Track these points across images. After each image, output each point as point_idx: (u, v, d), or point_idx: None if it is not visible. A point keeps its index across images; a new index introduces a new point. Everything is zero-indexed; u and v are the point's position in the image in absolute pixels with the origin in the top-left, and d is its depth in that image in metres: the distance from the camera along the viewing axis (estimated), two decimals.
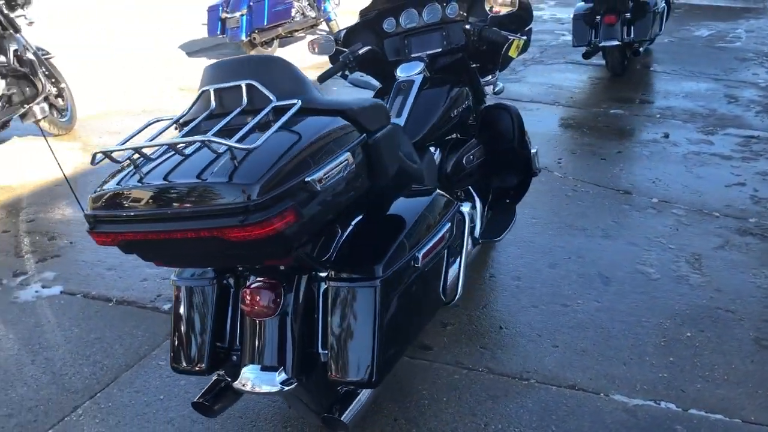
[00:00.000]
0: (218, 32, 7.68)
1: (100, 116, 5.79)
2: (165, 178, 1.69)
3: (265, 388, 1.98)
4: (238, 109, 1.85)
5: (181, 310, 2.13)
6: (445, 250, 2.30)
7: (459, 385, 2.60)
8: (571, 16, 6.93)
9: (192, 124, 1.87)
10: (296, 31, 8.50)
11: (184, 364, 2.10)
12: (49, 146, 2.50)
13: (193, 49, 8.53)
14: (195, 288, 2.11)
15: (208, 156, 1.69)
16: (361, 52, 3.03)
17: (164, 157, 1.79)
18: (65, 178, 2.62)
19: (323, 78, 3.06)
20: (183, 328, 2.12)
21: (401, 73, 3.03)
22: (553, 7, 11.50)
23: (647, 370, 2.65)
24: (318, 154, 1.73)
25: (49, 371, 2.66)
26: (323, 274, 2.00)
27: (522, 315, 3.03)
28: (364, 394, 2.03)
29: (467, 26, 2.98)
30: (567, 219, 3.94)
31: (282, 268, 2.05)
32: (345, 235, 2.06)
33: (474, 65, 3.17)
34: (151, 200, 1.67)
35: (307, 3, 8.85)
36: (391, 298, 1.97)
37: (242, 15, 7.49)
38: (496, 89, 3.31)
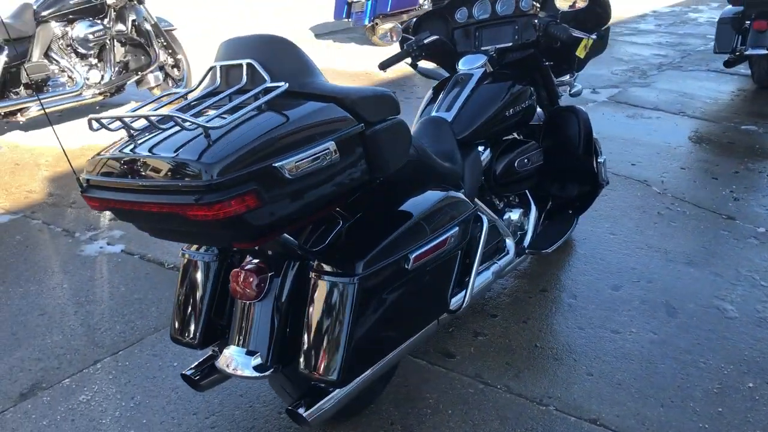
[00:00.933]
0: (344, 16, 7.78)
1: None
2: (149, 151, 1.69)
3: (240, 372, 1.96)
4: (235, 87, 1.83)
5: (185, 282, 2.15)
6: (457, 256, 2.17)
7: (470, 399, 2.45)
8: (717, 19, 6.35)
9: (191, 99, 1.87)
10: None
11: (180, 335, 2.12)
12: (50, 122, 2.61)
13: (322, 32, 8.71)
14: (200, 262, 2.12)
15: (189, 133, 1.68)
16: (426, 41, 2.92)
17: (158, 131, 1.80)
18: (62, 149, 2.72)
19: (384, 65, 2.98)
20: (183, 300, 2.14)
21: (462, 65, 2.89)
22: (715, 9, 10.59)
23: (687, 417, 2.36)
24: (294, 140, 1.66)
25: (86, 324, 2.81)
26: (314, 264, 1.94)
27: (564, 335, 2.80)
28: (339, 393, 1.95)
29: (535, 20, 2.78)
30: (650, 239, 3.60)
31: (270, 253, 2.02)
32: (344, 226, 1.98)
33: (547, 63, 2.96)
34: (127, 171, 1.69)
35: None
36: (372, 298, 1.88)
37: (367, 0, 7.53)
38: (573, 90, 3.07)
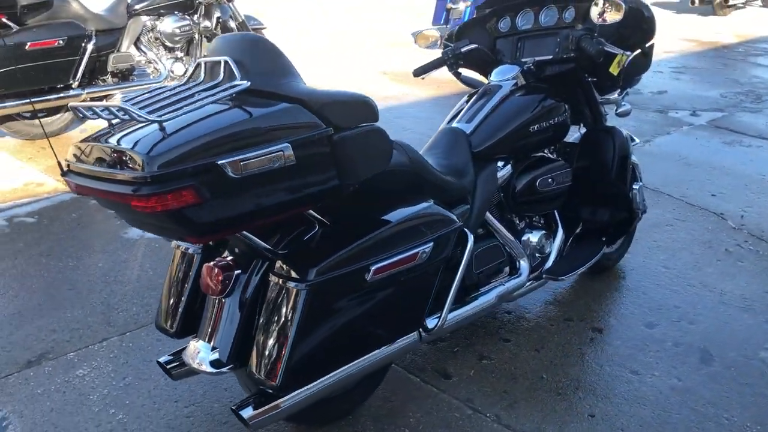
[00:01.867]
0: (442, 22, 7.70)
1: None
2: (117, 141, 1.73)
3: (199, 366, 1.97)
4: (209, 83, 1.84)
5: (172, 271, 2.20)
6: (433, 272, 2.07)
7: (454, 424, 2.33)
8: None
9: (159, 92, 1.89)
10: None
11: (161, 323, 2.17)
12: (42, 125, 2.71)
13: None
14: (186, 253, 2.16)
15: (152, 126, 1.70)
16: (463, 50, 2.83)
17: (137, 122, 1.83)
18: (50, 144, 2.81)
19: (418, 72, 2.92)
20: (168, 289, 2.19)
21: (494, 76, 2.78)
22: None
23: None
24: (245, 139, 1.64)
25: (107, 303, 2.94)
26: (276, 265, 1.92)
27: (576, 370, 2.62)
28: (287, 401, 1.90)
29: (571, 33, 2.61)
30: (708, 277, 3.30)
31: (236, 251, 2.01)
32: (318, 231, 1.95)
33: (589, 79, 2.78)
34: (93, 158, 1.74)
35: None
36: (323, 307, 1.83)
37: (467, 6, 7.41)
38: (620, 110, 2.87)
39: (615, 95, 2.90)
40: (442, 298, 2.34)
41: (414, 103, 6.21)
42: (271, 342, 1.82)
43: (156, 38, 5.07)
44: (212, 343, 1.98)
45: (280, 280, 1.84)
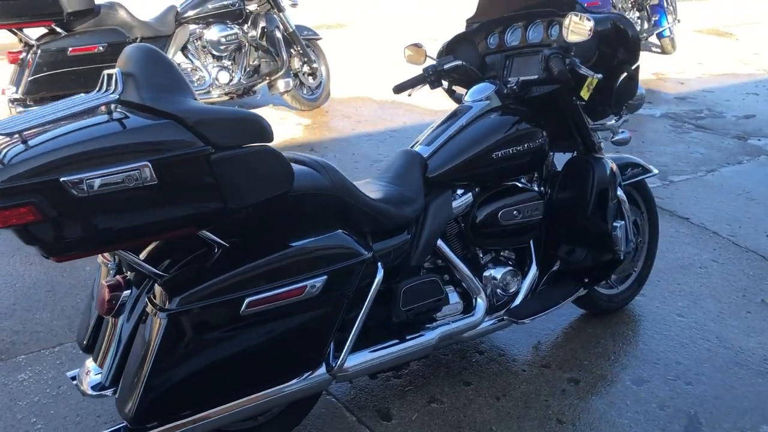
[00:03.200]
0: None
1: (345, 101, 6.08)
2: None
3: (81, 386, 1.91)
4: (98, 94, 1.78)
5: (92, 286, 2.17)
6: (331, 308, 1.90)
7: None
8: None
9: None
10: None
11: (77, 337, 2.14)
12: None
13: None
14: (103, 267, 2.11)
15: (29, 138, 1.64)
16: (446, 67, 2.63)
17: None
18: None
19: (398, 89, 2.75)
20: (87, 303, 2.15)
21: (468, 96, 2.56)
22: None
23: None
24: (96, 156, 1.55)
25: (77, 308, 2.95)
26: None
27: (532, 426, 2.34)
28: None
29: (545, 51, 2.36)
30: (728, 330, 2.90)
31: (128, 274, 1.93)
32: (205, 254, 1.83)
33: (579, 102, 2.50)
34: None
35: (637, 12, 7.96)
36: (185, 339, 1.71)
37: None
38: (616, 137, 2.58)
39: (612, 121, 2.59)
40: (369, 336, 2.17)
41: None
42: (132, 371, 1.72)
43: (203, 47, 5.16)
44: (98, 364, 1.91)
45: (150, 306, 1.74)
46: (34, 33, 4.60)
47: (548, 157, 2.58)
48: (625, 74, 2.38)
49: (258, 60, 5.35)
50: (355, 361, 2.10)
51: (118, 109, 1.67)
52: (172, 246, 1.88)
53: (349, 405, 2.43)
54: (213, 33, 5.12)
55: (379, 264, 2.02)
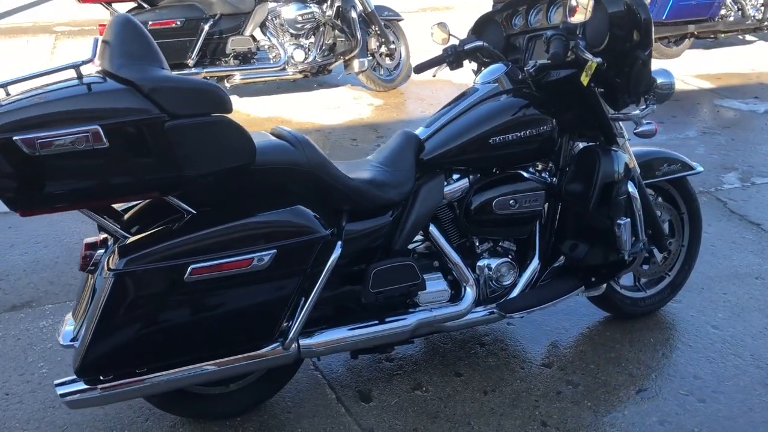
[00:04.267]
0: None
1: (424, 83, 6.00)
2: None
3: (58, 337, 2.02)
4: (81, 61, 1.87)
5: None
6: (283, 283, 1.90)
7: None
8: None
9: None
10: (723, 32, 7.10)
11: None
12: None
13: None
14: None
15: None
16: (466, 47, 2.54)
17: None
18: None
19: (418, 69, 2.68)
20: None
21: (479, 78, 2.46)
22: None
23: None
24: (50, 117, 1.64)
25: (65, 280, 3.07)
26: None
27: (513, 425, 2.24)
28: (104, 390, 1.86)
29: (548, 32, 2.21)
30: (766, 349, 2.63)
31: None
32: (170, 220, 1.89)
33: (598, 89, 2.34)
34: None
35: None
36: (129, 299, 1.77)
37: None
38: (640, 129, 2.40)
39: (636, 111, 2.39)
40: (345, 315, 2.16)
41: None
42: (86, 326, 1.81)
43: (281, 25, 5.26)
44: (74, 316, 2.02)
45: (106, 264, 1.81)
46: (124, 8, 4.89)
47: (564, 146, 2.43)
48: (640, 60, 2.19)
49: (334, 39, 5.39)
50: (323, 338, 2.10)
51: (84, 75, 1.74)
52: (151, 209, 1.96)
53: (333, 382, 2.43)
54: (290, 11, 5.21)
55: (339, 243, 1.99)
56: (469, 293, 2.30)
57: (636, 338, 2.69)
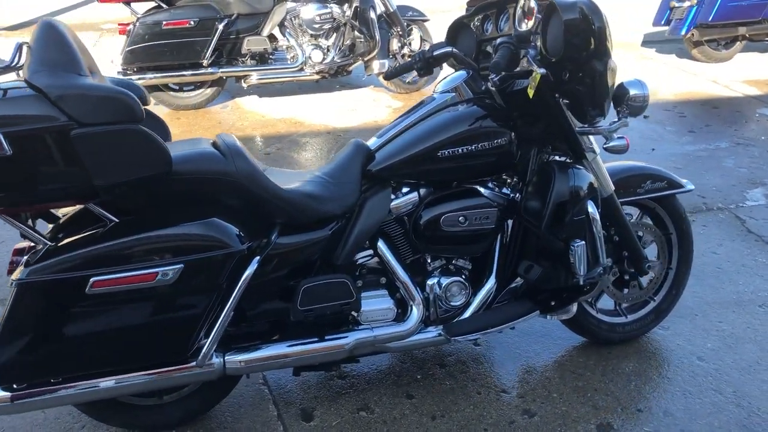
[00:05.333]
0: (662, 22, 6.66)
1: None
2: None
3: None
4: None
5: None
6: (195, 299, 1.84)
7: None
8: None
9: None
10: None
11: None
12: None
13: (655, 39, 7.55)
14: None
15: None
16: (435, 53, 2.42)
17: None
18: None
19: (388, 76, 2.57)
20: None
21: (439, 86, 2.34)
22: None
23: None
24: None
25: None
26: None
27: None
28: (18, 403, 1.85)
29: (498, 40, 2.08)
30: (754, 386, 2.42)
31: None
32: (88, 229, 1.85)
33: (562, 100, 2.19)
34: None
35: None
36: (30, 309, 1.74)
37: (691, 6, 6.29)
38: (609, 144, 2.23)
39: (606, 123, 2.22)
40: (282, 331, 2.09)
41: None
42: None
43: (299, 25, 5.22)
44: None
45: (14, 273, 1.79)
46: (143, 8, 4.94)
47: (532, 160, 2.28)
48: (597, 71, 2.02)
49: (353, 40, 5.31)
50: (252, 355, 2.03)
51: (3, 82, 1.72)
52: (83, 216, 1.92)
53: (278, 398, 2.36)
54: (309, 11, 5.16)
55: (256, 259, 1.91)
56: (415, 313, 2.18)
57: (610, 367, 2.51)
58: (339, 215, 2.10)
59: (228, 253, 1.83)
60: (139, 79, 4.80)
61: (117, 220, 1.83)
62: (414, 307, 2.19)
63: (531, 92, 2.09)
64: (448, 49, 2.39)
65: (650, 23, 6.94)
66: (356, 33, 5.32)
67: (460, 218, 2.16)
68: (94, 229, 1.84)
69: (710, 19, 6.29)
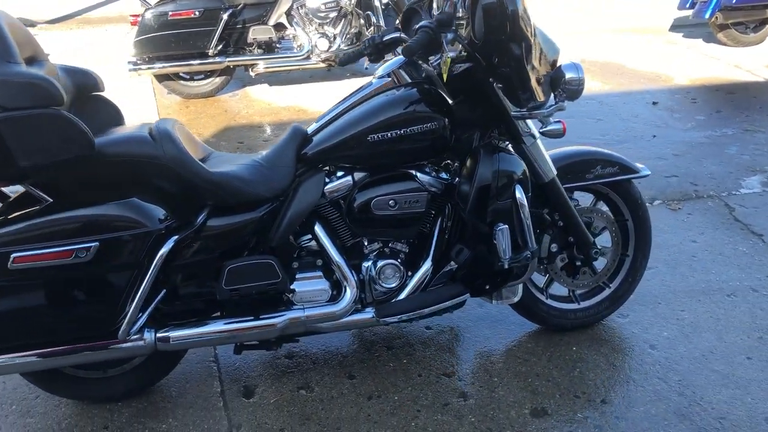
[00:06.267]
0: (687, 5, 6.46)
1: None
2: None
3: None
4: None
5: None
6: (113, 276, 1.93)
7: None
8: None
9: None
10: None
11: None
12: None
13: (672, 24, 7.28)
14: None
15: None
16: (385, 39, 2.44)
17: None
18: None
19: (342, 62, 2.59)
20: None
21: (379, 70, 2.36)
22: None
23: None
24: None
25: None
26: None
27: (379, 427, 2.17)
28: None
29: (420, 23, 2.09)
30: (701, 376, 2.39)
31: None
32: (24, 209, 1.96)
33: (497, 84, 2.19)
34: None
35: None
36: None
37: None
38: (545, 128, 2.23)
39: (543, 109, 2.19)
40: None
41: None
42: None
43: (306, 13, 5.28)
44: None
45: None
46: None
47: (475, 143, 2.28)
48: (514, 54, 2.01)
49: (359, 28, 5.35)
50: (182, 332, 2.11)
51: None
52: (25, 197, 2.03)
53: (224, 375, 2.44)
54: (314, 0, 5.22)
55: (173, 238, 1.98)
56: (348, 294, 2.22)
57: (557, 353, 2.50)
58: (270, 198, 2.16)
59: (144, 232, 1.92)
60: (149, 68, 4.97)
61: (51, 200, 1.94)
62: (348, 289, 2.23)
63: (444, 76, 2.09)
64: (397, 34, 2.41)
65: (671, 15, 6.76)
66: (362, 21, 5.35)
67: (390, 202, 2.18)
68: (28, 208, 1.95)
69: (734, 1, 6.06)
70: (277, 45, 5.29)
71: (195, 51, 4.97)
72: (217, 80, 5.33)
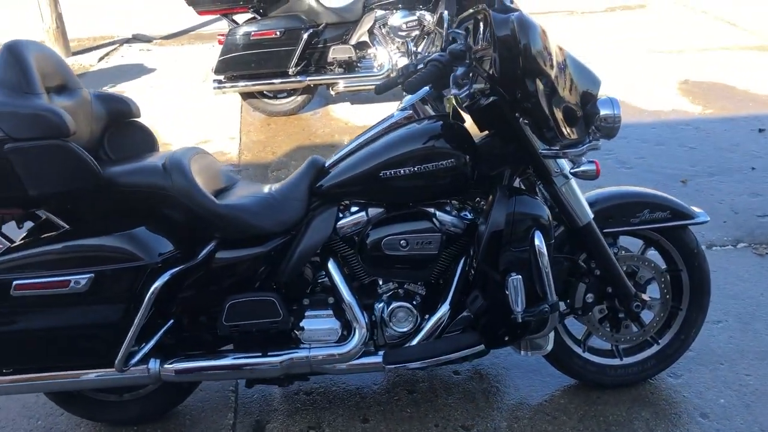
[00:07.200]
0: None
1: None
2: None
3: None
4: None
5: None
6: (112, 309, 1.94)
7: None
8: None
9: None
10: None
11: None
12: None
13: None
14: None
15: None
16: (419, 67, 2.34)
17: None
18: None
19: (378, 91, 2.50)
20: None
21: (404, 102, 2.26)
22: None
23: None
24: None
25: None
26: None
27: None
28: None
29: (432, 55, 1.98)
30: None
31: None
32: (40, 234, 2.03)
33: (524, 121, 2.03)
34: None
35: None
36: None
37: None
38: (577, 168, 2.05)
39: (575, 148, 1.99)
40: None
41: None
42: None
43: (388, 32, 5.23)
44: None
45: None
46: (242, 18, 5.22)
47: (506, 182, 2.13)
48: (529, 91, 1.83)
49: (441, 47, 5.23)
50: (182, 365, 2.10)
51: None
52: (47, 223, 2.10)
53: (240, 407, 2.41)
54: (395, 19, 5.16)
55: (168, 272, 1.95)
56: (356, 336, 2.12)
57: (591, 413, 2.28)
58: (279, 232, 2.10)
59: (137, 266, 1.91)
60: (232, 87, 5.09)
61: (67, 227, 1.99)
62: (357, 330, 2.13)
63: (450, 111, 1.96)
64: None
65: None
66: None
67: (402, 242, 2.07)
68: (43, 234, 2.01)
69: None
70: (358, 64, 5.27)
71: (277, 70, 5.04)
72: (299, 99, 5.39)
